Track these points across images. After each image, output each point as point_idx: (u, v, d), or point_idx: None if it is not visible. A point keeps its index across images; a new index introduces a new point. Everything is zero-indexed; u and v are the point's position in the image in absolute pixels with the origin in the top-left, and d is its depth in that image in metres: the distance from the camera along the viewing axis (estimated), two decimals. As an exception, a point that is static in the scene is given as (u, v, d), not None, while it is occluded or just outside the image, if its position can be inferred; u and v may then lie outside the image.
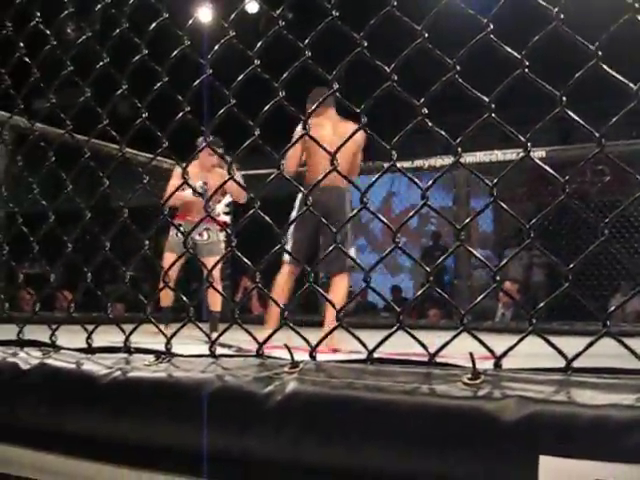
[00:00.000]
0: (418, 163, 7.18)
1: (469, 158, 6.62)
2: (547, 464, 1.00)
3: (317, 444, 1.19)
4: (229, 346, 2.77)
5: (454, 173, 6.87)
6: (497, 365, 1.22)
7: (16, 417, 1.62)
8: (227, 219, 7.62)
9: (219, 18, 1.82)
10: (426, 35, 1.34)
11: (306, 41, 1.61)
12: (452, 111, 5.81)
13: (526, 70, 1.25)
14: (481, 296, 1.39)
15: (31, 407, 1.58)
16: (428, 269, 1.33)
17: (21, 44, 2.06)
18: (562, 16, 1.22)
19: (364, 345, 1.34)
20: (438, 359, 1.29)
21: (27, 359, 1.63)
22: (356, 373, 1.26)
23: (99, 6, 1.93)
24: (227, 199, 7.44)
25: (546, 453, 1.00)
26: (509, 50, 1.25)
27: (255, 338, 1.46)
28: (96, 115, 1.86)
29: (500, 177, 1.27)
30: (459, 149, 1.30)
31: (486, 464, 1.06)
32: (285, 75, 1.54)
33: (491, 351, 1.23)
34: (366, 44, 1.42)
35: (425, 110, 1.32)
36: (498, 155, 6.84)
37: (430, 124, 1.32)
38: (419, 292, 1.36)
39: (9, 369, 1.62)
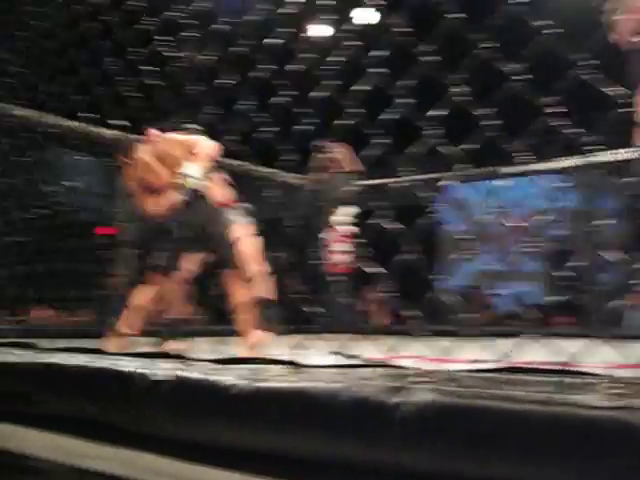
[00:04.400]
0: (543, 165, 6.95)
1: (595, 158, 6.35)
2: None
3: (449, 455, 1.16)
4: (354, 356, 2.77)
5: (576, 174, 6.61)
6: None
7: (149, 427, 1.67)
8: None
9: (337, 31, 1.82)
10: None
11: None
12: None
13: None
14: (618, 300, 1.32)
15: (164, 417, 1.62)
16: (560, 275, 1.28)
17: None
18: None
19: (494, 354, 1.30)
20: (571, 367, 1.24)
21: (159, 370, 1.68)
22: (487, 382, 1.22)
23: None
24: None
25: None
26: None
27: (382, 347, 1.45)
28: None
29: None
30: (592, 148, 1.25)
31: None
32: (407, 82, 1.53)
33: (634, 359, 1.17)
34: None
35: (559, 109, 1.26)
36: (624, 154, 6.53)
37: (564, 123, 1.26)
38: (551, 298, 1.31)
39: (142, 380, 1.68)
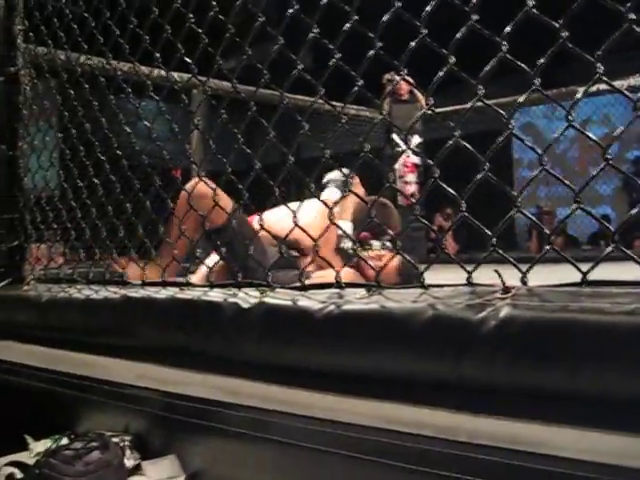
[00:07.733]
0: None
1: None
2: None
3: (534, 368, 1.18)
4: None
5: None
6: None
7: (239, 352, 1.73)
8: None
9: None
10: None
11: None
12: None
13: None
14: None
15: (253, 342, 1.68)
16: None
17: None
18: None
19: (578, 268, 1.30)
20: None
21: (246, 299, 1.73)
22: (571, 296, 1.23)
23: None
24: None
25: None
26: None
27: (463, 267, 1.46)
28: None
29: None
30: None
31: None
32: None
33: None
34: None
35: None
36: None
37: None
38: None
39: (231, 308, 1.73)
